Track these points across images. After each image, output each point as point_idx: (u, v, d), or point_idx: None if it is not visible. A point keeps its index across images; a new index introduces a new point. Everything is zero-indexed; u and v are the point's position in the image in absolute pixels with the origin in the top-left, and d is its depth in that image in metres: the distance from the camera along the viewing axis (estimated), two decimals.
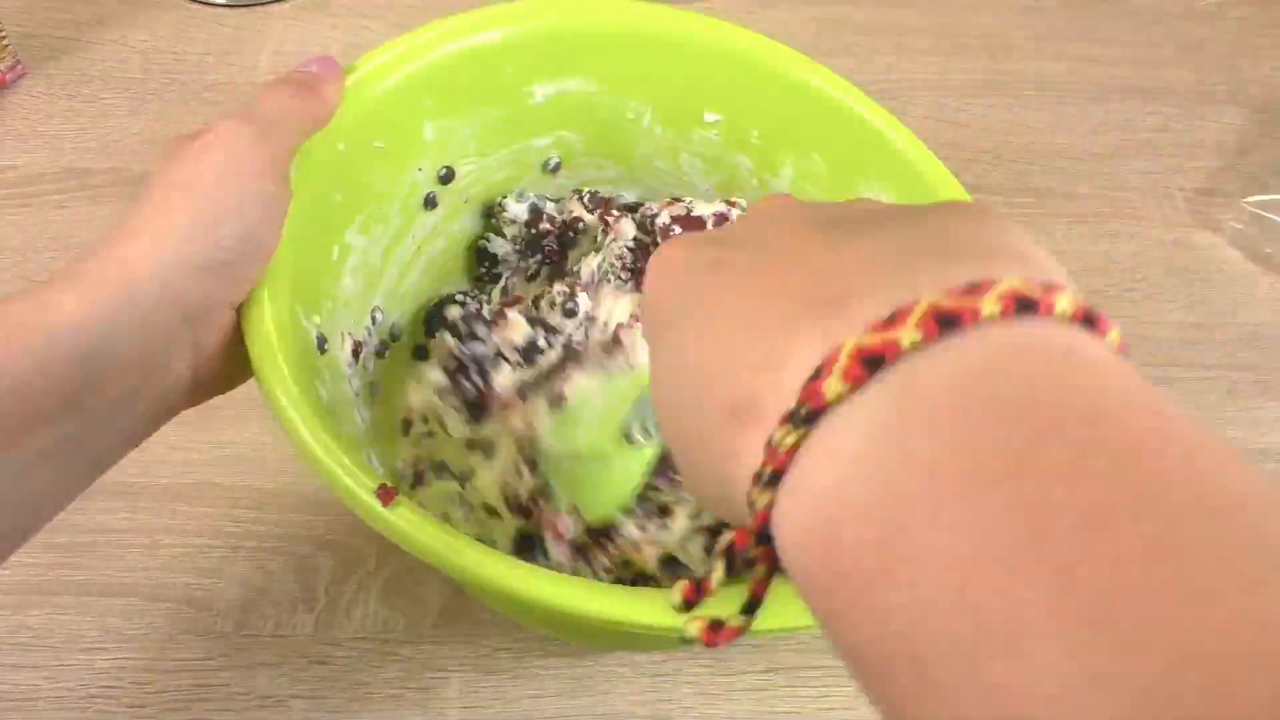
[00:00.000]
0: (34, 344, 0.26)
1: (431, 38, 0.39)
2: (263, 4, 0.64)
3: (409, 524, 0.28)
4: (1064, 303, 0.15)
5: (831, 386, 0.14)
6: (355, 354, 0.40)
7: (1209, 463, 0.13)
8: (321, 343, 0.36)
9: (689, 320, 0.19)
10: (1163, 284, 0.60)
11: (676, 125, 0.44)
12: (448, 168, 0.43)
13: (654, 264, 0.22)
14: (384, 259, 0.42)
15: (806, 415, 0.14)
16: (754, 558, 0.16)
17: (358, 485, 0.29)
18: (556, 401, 0.39)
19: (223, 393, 0.34)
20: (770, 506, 0.15)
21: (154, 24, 0.63)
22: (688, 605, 0.18)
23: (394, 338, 0.44)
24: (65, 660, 0.43)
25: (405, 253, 0.44)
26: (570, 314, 0.43)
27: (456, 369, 0.42)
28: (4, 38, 0.58)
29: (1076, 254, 0.60)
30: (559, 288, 0.43)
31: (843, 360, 0.14)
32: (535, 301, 0.44)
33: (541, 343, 0.42)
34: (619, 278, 0.45)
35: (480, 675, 0.44)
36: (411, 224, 0.43)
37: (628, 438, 0.36)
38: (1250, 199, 0.61)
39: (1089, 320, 0.15)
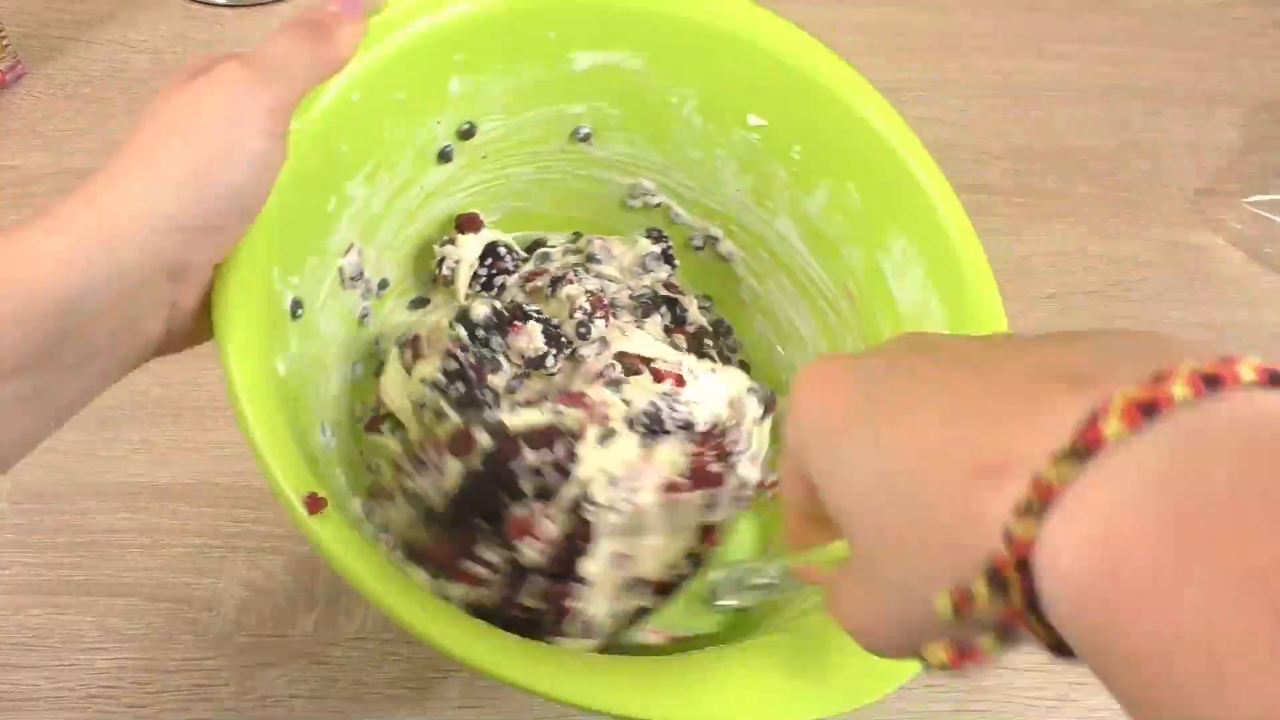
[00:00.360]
0: (11, 295, 0.26)
1: None
2: (263, 4, 0.64)
3: (331, 537, 0.28)
4: None
5: (1111, 426, 0.16)
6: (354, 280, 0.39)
7: None
8: (296, 307, 0.36)
9: (881, 416, 0.20)
10: (1163, 284, 0.60)
11: (718, 120, 0.43)
12: (470, 123, 0.41)
13: (808, 378, 0.22)
14: (386, 208, 0.41)
15: (1083, 452, 0.16)
16: (1010, 583, 0.17)
17: (290, 487, 0.28)
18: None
19: (193, 346, 0.33)
20: (1033, 538, 0.16)
21: (154, 24, 0.63)
22: (951, 668, 0.19)
23: (382, 285, 0.43)
24: (65, 660, 0.43)
25: (410, 203, 0.42)
26: (584, 335, 0.42)
27: (455, 370, 0.42)
28: (4, 38, 0.58)
29: (1077, 254, 0.60)
30: (582, 302, 0.43)
31: (1117, 408, 0.16)
32: (551, 319, 0.43)
33: (551, 361, 0.42)
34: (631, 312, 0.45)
35: (480, 675, 0.44)
36: (422, 176, 0.41)
37: (714, 600, 0.36)
38: (1250, 199, 0.61)
39: None
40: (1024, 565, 0.16)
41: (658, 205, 0.47)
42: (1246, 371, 0.16)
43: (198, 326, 0.32)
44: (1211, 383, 0.16)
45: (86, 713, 0.42)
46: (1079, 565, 0.15)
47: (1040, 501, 0.16)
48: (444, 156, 0.42)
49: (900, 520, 0.19)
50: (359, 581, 0.28)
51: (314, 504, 0.28)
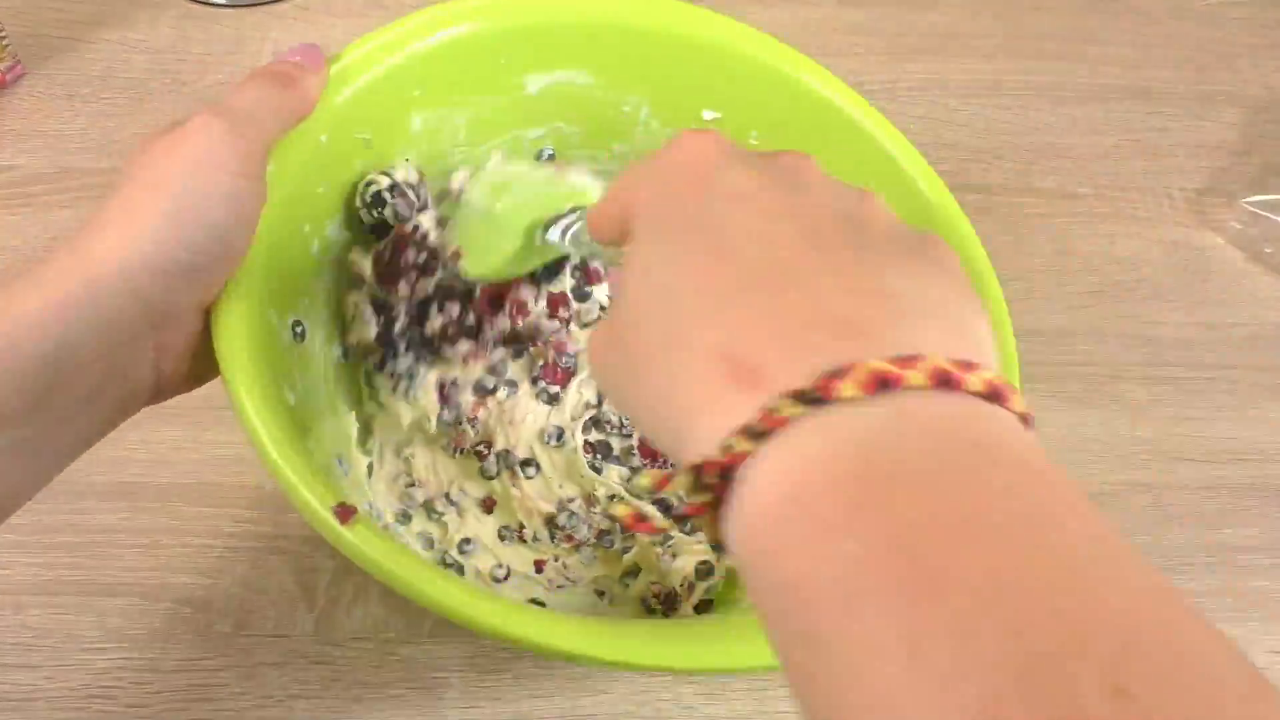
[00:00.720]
0: None
1: (417, 26, 0.38)
2: (263, 4, 0.64)
3: (365, 543, 0.28)
4: (974, 384, 0.19)
5: (848, 389, 0.18)
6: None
7: (1057, 497, 0.17)
8: (295, 328, 0.36)
9: (694, 241, 0.21)
10: (1163, 284, 0.60)
11: (674, 121, 0.44)
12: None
13: (682, 143, 0.24)
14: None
15: (815, 399, 0.18)
16: (710, 485, 0.19)
17: (318, 502, 0.29)
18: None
19: (188, 391, 0.33)
20: (744, 455, 0.18)
21: (154, 24, 0.63)
22: (652, 492, 0.21)
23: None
24: (65, 660, 0.43)
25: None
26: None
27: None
28: (4, 38, 0.58)
29: (1077, 254, 0.60)
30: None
31: (861, 374, 0.18)
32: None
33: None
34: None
35: (480, 675, 0.44)
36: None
37: (544, 230, 0.36)
38: (1250, 199, 0.61)
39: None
40: (726, 471, 0.18)
41: None
42: (973, 382, 0.18)
43: (191, 372, 0.32)
44: (943, 381, 0.18)
45: (86, 713, 0.42)
46: (769, 492, 0.18)
47: (765, 429, 0.18)
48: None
49: (653, 350, 0.21)
50: (406, 585, 0.28)
51: (344, 513, 0.28)
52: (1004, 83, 0.67)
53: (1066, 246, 0.61)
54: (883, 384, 0.18)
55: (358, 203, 0.40)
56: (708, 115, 0.43)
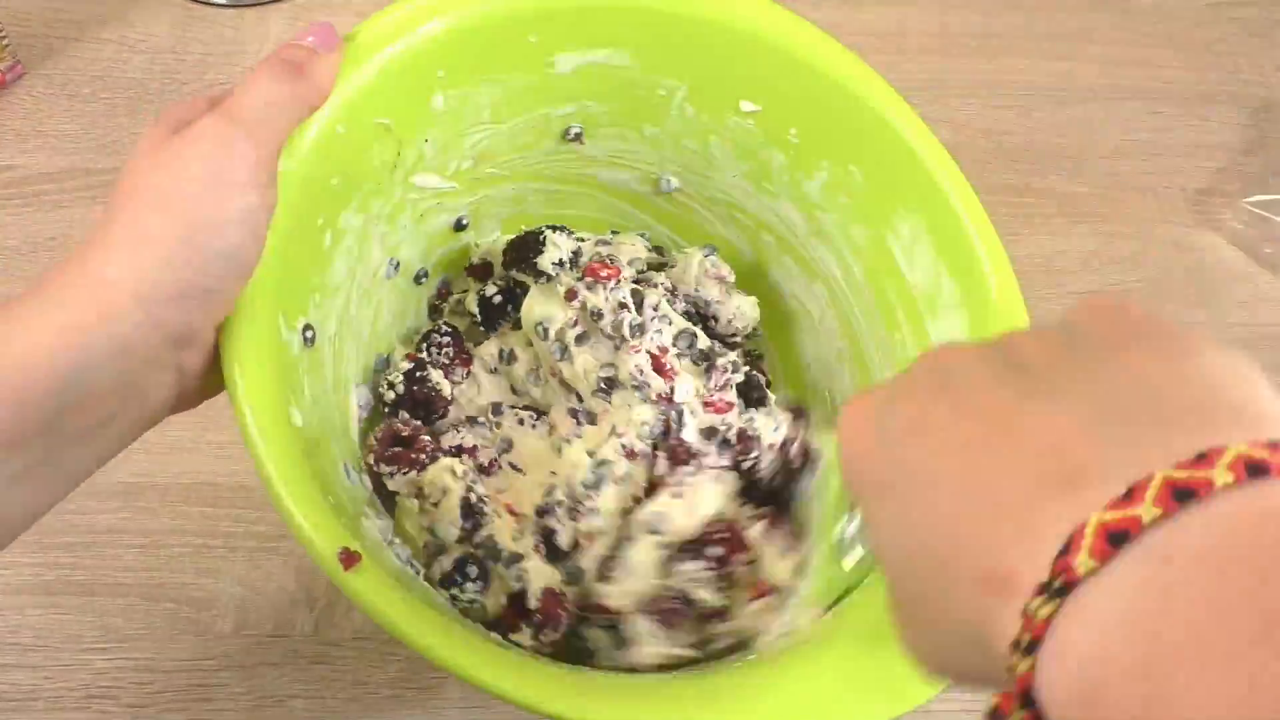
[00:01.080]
0: (5, 374, 0.26)
1: (439, 2, 0.36)
2: (263, 4, 0.64)
3: (369, 590, 0.28)
4: None
5: (1083, 562, 0.16)
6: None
7: None
8: (306, 329, 0.36)
9: (907, 487, 0.21)
10: (1163, 284, 0.60)
11: (711, 109, 0.42)
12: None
13: (844, 423, 0.23)
14: (380, 234, 0.41)
15: (1060, 588, 0.16)
16: (1018, 714, 0.17)
17: (323, 544, 0.29)
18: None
19: (207, 399, 0.33)
20: (1031, 671, 0.16)
21: (154, 24, 0.63)
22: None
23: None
24: (65, 660, 0.43)
25: (405, 225, 0.42)
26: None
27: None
28: (4, 38, 0.58)
29: (1077, 254, 0.60)
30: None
31: (1089, 538, 0.16)
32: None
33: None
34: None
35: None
36: (415, 196, 0.41)
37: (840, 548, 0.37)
38: (1250, 199, 0.61)
39: None
40: (1026, 695, 0.17)
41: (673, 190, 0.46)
42: (1221, 475, 0.15)
43: (207, 383, 0.32)
44: (1184, 495, 0.15)
45: (86, 713, 0.42)
46: (1065, 710, 0.16)
47: (1032, 638, 0.16)
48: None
49: (927, 598, 0.20)
50: (405, 635, 0.28)
51: (348, 559, 0.28)
52: (1004, 83, 0.67)
53: (1066, 246, 0.61)
54: (1177, 497, 0.15)
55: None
56: (746, 106, 0.42)
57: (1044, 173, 0.63)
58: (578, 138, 0.44)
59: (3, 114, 0.58)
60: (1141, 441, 0.17)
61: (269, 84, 0.31)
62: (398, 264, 0.43)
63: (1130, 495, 0.16)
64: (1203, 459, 0.16)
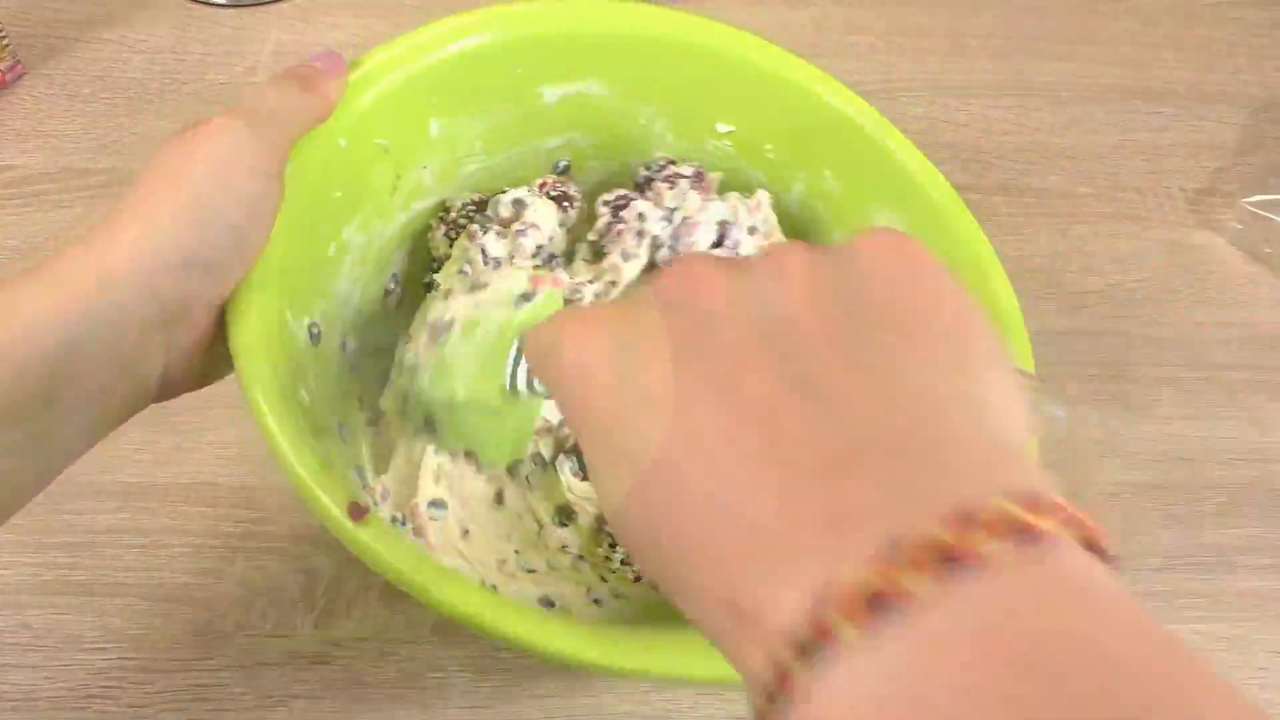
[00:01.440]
0: (3, 346, 0.26)
1: (436, 36, 0.38)
2: (263, 4, 0.64)
3: (377, 542, 0.28)
4: (1049, 523, 0.15)
5: (842, 627, 0.15)
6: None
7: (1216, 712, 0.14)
8: (313, 330, 0.36)
9: (647, 467, 0.18)
10: (1163, 284, 0.60)
11: (690, 134, 0.44)
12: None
13: (571, 332, 0.20)
14: (380, 254, 0.42)
15: (815, 647, 0.15)
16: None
17: (330, 500, 0.29)
18: (439, 333, 0.37)
19: (196, 389, 0.33)
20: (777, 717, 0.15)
21: (154, 24, 0.63)
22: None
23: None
24: (65, 660, 0.43)
25: (406, 245, 0.43)
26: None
27: None
28: (4, 38, 0.58)
29: (1077, 254, 0.60)
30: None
31: (848, 598, 0.15)
32: None
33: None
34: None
35: (480, 675, 0.44)
36: (415, 221, 0.43)
37: (514, 390, 0.34)
38: (1250, 199, 0.61)
39: (1078, 527, 0.16)
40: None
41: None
42: (990, 543, 0.15)
43: (200, 370, 0.32)
44: (952, 563, 0.14)
45: (86, 713, 0.42)
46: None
47: (780, 690, 0.15)
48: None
49: (667, 567, 0.18)
50: (414, 585, 0.28)
51: (357, 512, 0.28)
52: (1004, 83, 0.67)
53: (1066, 246, 0.61)
54: (945, 565, 0.15)
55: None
56: (722, 128, 0.43)
57: (1044, 173, 0.63)
58: (566, 171, 0.45)
59: (3, 114, 0.58)
60: (913, 482, 0.16)
61: (278, 92, 0.33)
62: (399, 279, 0.44)
63: (894, 553, 0.15)
64: (970, 520, 0.15)
